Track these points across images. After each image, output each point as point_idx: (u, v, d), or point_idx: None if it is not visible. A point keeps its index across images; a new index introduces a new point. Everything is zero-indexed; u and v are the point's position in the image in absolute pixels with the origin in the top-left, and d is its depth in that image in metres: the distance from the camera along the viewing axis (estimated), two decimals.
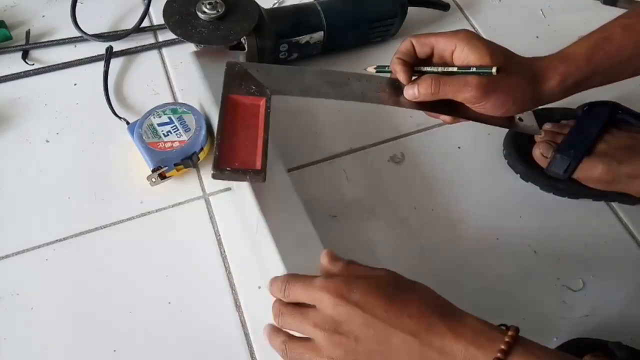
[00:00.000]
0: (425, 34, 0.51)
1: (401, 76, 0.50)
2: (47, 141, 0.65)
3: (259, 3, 0.65)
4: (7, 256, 0.56)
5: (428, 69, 0.51)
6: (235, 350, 0.51)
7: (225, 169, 0.47)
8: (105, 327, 0.52)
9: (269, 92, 0.53)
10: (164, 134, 0.59)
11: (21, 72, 0.70)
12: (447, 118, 0.53)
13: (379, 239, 0.58)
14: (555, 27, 0.78)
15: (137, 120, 0.61)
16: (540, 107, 0.67)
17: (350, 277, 0.42)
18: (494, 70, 0.47)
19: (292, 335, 0.44)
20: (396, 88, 0.53)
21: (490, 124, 0.53)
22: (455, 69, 0.49)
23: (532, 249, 0.58)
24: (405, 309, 0.39)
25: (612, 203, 0.61)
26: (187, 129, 0.60)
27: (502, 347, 0.36)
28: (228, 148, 0.49)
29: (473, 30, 0.48)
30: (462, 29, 0.50)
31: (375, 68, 0.55)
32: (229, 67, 0.54)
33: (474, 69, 0.48)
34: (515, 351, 0.36)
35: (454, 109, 0.51)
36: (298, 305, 0.44)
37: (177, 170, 0.60)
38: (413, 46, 0.51)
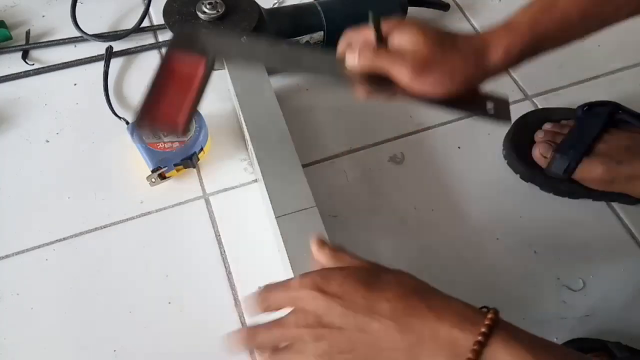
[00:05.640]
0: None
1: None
2: (47, 141, 0.65)
3: (259, 3, 0.65)
4: (7, 256, 0.56)
5: None
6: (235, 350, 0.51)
7: (145, 122, 0.49)
8: (105, 327, 0.52)
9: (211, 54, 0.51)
10: (163, 134, 0.59)
11: (21, 72, 0.70)
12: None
13: (379, 239, 0.58)
14: None
15: None
16: (540, 107, 0.68)
17: (326, 269, 0.42)
18: None
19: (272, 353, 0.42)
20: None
21: (445, 108, 0.49)
22: None
23: (532, 249, 0.58)
24: (383, 293, 0.38)
25: (612, 203, 0.61)
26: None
27: (483, 329, 0.35)
28: (155, 101, 0.49)
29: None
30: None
31: None
32: (178, 34, 0.53)
33: None
34: (497, 334, 0.35)
35: (399, 89, 0.48)
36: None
37: (177, 170, 0.60)
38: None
